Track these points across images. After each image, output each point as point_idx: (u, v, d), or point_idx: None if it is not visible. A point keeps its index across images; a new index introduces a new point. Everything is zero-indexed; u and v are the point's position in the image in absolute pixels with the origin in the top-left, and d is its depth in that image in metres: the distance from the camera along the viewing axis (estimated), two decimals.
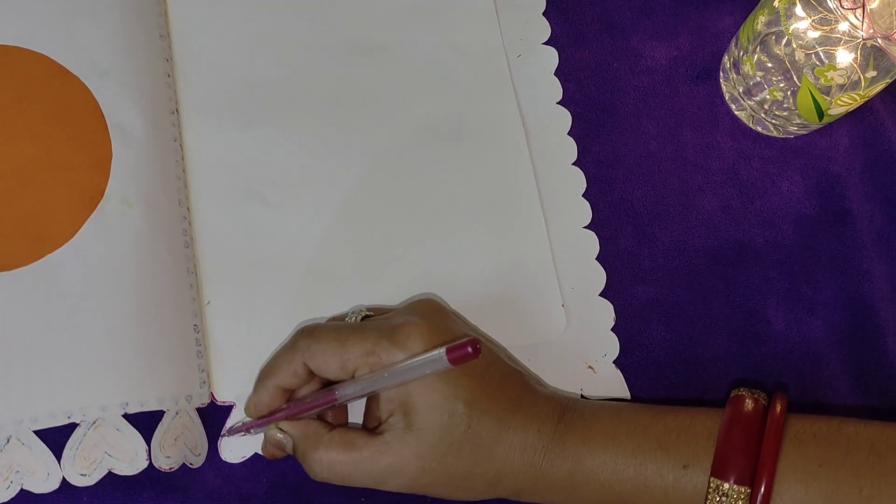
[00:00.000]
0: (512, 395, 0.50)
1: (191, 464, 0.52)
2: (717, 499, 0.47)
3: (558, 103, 0.63)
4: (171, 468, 0.51)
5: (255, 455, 0.54)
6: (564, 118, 0.62)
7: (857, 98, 0.57)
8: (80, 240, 0.53)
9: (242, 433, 0.53)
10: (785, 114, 0.61)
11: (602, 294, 0.59)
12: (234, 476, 0.54)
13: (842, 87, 0.56)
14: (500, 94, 0.62)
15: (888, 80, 0.56)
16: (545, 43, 0.64)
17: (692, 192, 0.62)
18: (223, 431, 0.54)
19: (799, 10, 0.55)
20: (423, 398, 0.48)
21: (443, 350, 0.44)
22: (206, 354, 0.54)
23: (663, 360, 0.58)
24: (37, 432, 0.50)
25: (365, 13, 0.63)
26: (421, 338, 0.48)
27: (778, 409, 0.49)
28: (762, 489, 0.46)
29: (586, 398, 0.55)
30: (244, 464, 0.54)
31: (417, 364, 0.46)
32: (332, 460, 0.49)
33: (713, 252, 0.61)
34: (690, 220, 0.61)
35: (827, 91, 0.57)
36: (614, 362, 0.58)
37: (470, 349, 0.42)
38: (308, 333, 0.50)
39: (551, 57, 0.64)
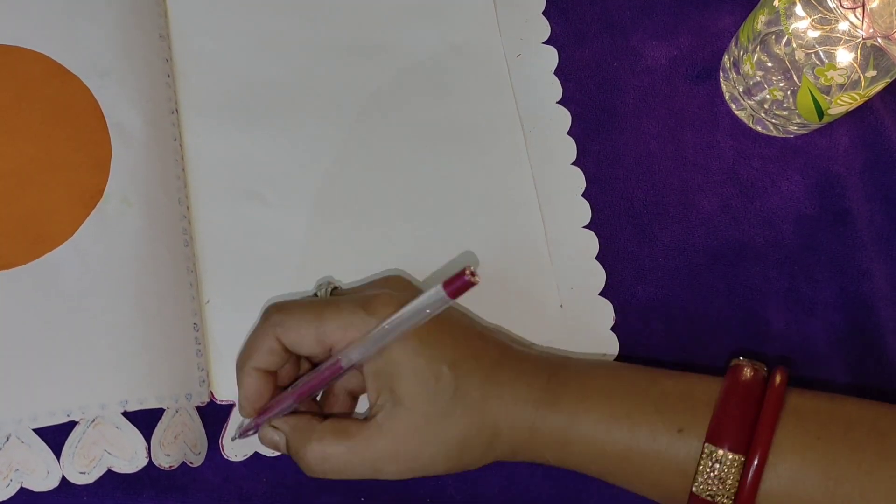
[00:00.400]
0: (495, 353, 0.50)
1: (190, 462, 0.52)
2: (710, 464, 0.46)
3: (558, 103, 0.63)
4: (170, 466, 0.51)
5: (256, 454, 0.54)
6: (564, 118, 0.62)
7: (857, 98, 0.57)
8: (80, 239, 0.53)
9: (252, 432, 0.52)
10: (785, 113, 0.61)
11: (602, 294, 0.59)
12: (234, 475, 0.54)
13: (842, 86, 0.56)
14: (500, 94, 0.62)
15: (888, 80, 0.56)
16: (545, 42, 0.64)
17: (692, 191, 0.62)
18: (234, 434, 0.53)
19: (799, 9, 0.55)
20: (406, 368, 0.47)
21: (439, 286, 0.42)
22: (205, 353, 0.55)
23: (663, 360, 0.58)
24: (36, 430, 0.50)
25: (364, 13, 0.63)
26: (397, 306, 0.46)
27: (778, 380, 0.48)
28: (756, 458, 0.46)
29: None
30: (244, 463, 0.54)
31: (418, 306, 0.44)
32: (325, 452, 0.48)
33: (713, 252, 0.61)
34: (690, 219, 0.61)
35: (827, 91, 0.57)
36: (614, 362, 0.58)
37: (467, 275, 0.40)
38: (279, 307, 0.49)
39: (551, 56, 0.64)
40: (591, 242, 0.60)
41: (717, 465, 0.46)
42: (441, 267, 0.58)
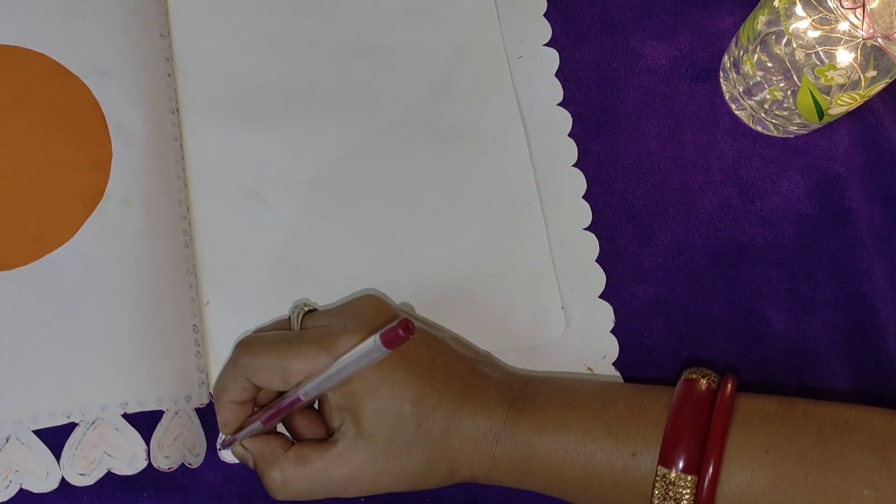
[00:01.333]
0: (460, 385, 0.50)
1: (189, 464, 0.52)
2: (664, 486, 0.47)
3: (559, 105, 0.62)
4: (170, 468, 0.51)
5: None
6: (565, 120, 0.62)
7: (857, 98, 0.57)
8: (80, 239, 0.53)
9: (230, 446, 0.53)
10: (785, 113, 0.61)
11: (601, 296, 0.59)
12: (234, 476, 0.54)
13: (842, 86, 0.56)
14: (501, 96, 0.62)
15: (888, 80, 0.55)
16: (546, 45, 0.64)
17: (692, 191, 0.62)
18: (217, 445, 0.54)
19: (799, 9, 0.55)
20: (369, 404, 0.48)
21: (376, 336, 0.42)
22: (205, 354, 0.55)
23: (663, 361, 0.58)
24: (36, 432, 0.50)
25: (366, 14, 0.63)
26: (357, 343, 0.46)
27: (728, 390, 0.48)
28: (707, 478, 0.46)
29: (547, 376, 0.54)
30: (242, 463, 0.54)
31: (356, 356, 0.45)
32: (286, 478, 0.49)
33: (713, 252, 0.61)
34: (690, 219, 0.61)
35: (827, 91, 0.57)
36: (613, 364, 0.58)
37: (401, 331, 0.41)
38: (245, 350, 0.50)
39: (552, 58, 0.63)
40: (592, 245, 0.60)
41: (672, 487, 0.47)
42: (441, 269, 0.58)
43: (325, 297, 0.57)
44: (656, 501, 0.47)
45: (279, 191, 0.58)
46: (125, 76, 0.56)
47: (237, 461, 0.53)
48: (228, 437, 0.52)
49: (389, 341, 0.42)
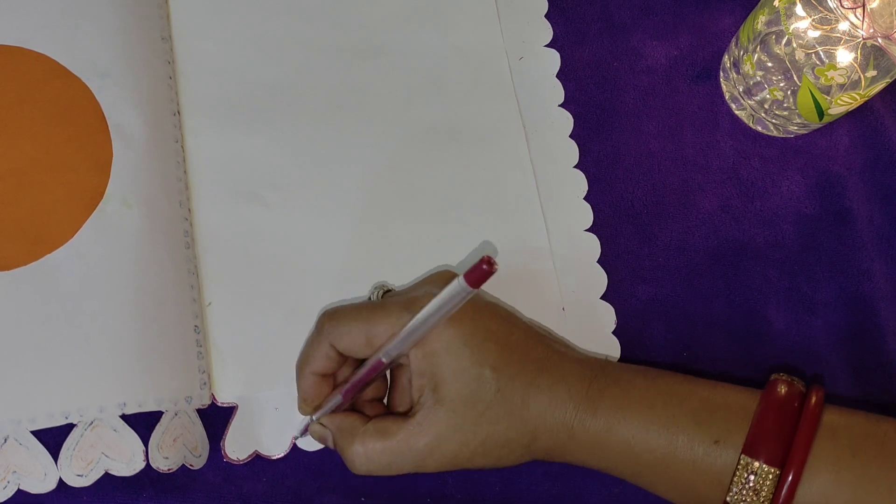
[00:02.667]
0: (537, 357, 0.50)
1: (191, 465, 0.52)
2: (746, 476, 0.47)
3: (560, 106, 0.62)
4: (169, 469, 0.51)
5: (257, 455, 0.54)
6: (566, 121, 0.62)
7: (858, 97, 0.57)
8: (80, 240, 0.53)
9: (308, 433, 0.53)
10: (785, 113, 0.61)
11: (603, 296, 0.59)
12: (234, 475, 0.54)
13: (842, 86, 0.56)
14: (502, 97, 0.62)
15: (888, 80, 0.55)
16: (547, 45, 0.64)
17: (692, 191, 0.62)
18: (297, 434, 0.54)
19: (799, 9, 0.55)
20: (449, 365, 0.48)
21: (460, 277, 0.43)
22: (206, 355, 0.55)
23: (663, 361, 0.58)
24: (34, 433, 0.50)
25: (366, 15, 0.63)
26: None
27: (814, 398, 0.48)
28: (792, 473, 0.46)
29: (626, 364, 0.55)
30: (244, 463, 0.54)
31: (441, 301, 0.45)
32: (368, 451, 0.49)
33: (713, 252, 0.61)
34: (690, 219, 0.61)
35: (827, 90, 0.57)
36: None
37: (485, 266, 0.41)
38: (330, 316, 0.51)
39: (553, 59, 0.63)
40: (593, 246, 0.60)
41: (753, 477, 0.47)
42: (443, 266, 0.58)
43: (326, 297, 0.57)
44: (735, 489, 0.47)
45: (280, 192, 0.58)
46: (126, 78, 0.56)
47: (241, 461, 0.53)
48: (309, 419, 0.52)
49: (474, 280, 0.42)
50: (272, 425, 0.55)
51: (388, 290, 0.54)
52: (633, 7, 0.65)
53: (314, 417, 0.52)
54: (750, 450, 0.47)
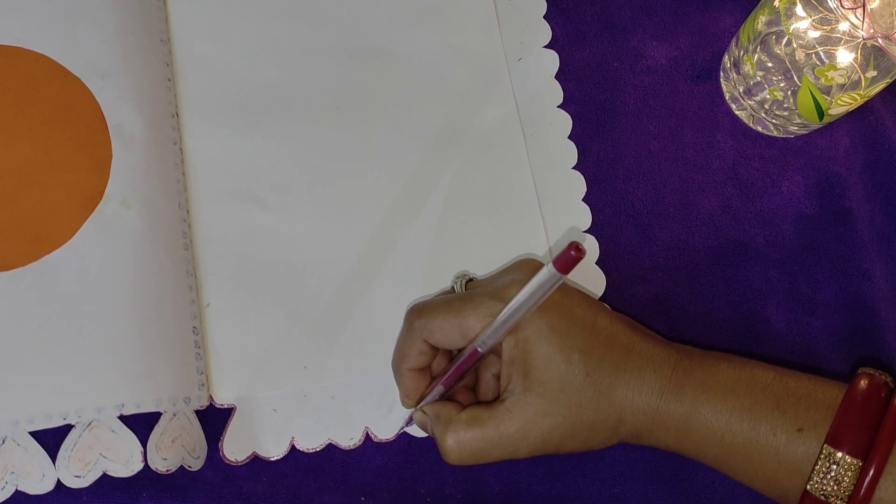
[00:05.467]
0: (623, 341, 0.51)
1: (189, 466, 0.52)
2: (828, 465, 0.47)
3: (559, 107, 0.62)
4: (167, 470, 0.51)
5: (256, 456, 0.54)
6: (565, 122, 0.62)
7: (858, 98, 0.57)
8: (79, 241, 0.53)
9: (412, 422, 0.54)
10: (785, 113, 0.61)
11: (602, 298, 0.59)
12: (234, 475, 0.54)
13: (842, 86, 0.56)
14: (500, 99, 0.62)
15: (888, 80, 0.55)
16: (546, 46, 0.64)
17: (692, 191, 0.62)
18: (402, 425, 0.55)
19: (799, 9, 0.55)
20: (540, 351, 0.49)
21: (549, 264, 0.44)
22: (205, 356, 0.55)
23: None
24: (32, 433, 0.50)
25: (365, 17, 0.63)
26: None
27: None
28: (874, 465, 0.46)
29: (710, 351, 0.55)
30: (244, 464, 0.54)
31: (532, 289, 0.46)
32: (460, 440, 0.50)
33: (713, 252, 0.61)
34: (690, 219, 0.61)
35: (827, 91, 0.57)
36: None
37: (573, 251, 0.42)
38: (419, 312, 0.52)
39: (552, 60, 0.63)
40: (592, 247, 0.60)
41: (835, 467, 0.47)
42: (440, 272, 0.58)
43: (324, 298, 0.57)
44: (816, 478, 0.47)
45: (279, 193, 0.58)
46: (125, 79, 0.57)
47: (240, 462, 0.54)
48: (412, 411, 0.53)
49: (563, 266, 0.43)
50: (270, 427, 0.55)
51: (471, 280, 0.55)
52: (633, 7, 0.65)
53: (419, 407, 0.53)
54: (834, 440, 0.47)
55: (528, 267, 0.52)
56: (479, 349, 0.50)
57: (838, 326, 0.60)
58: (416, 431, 0.56)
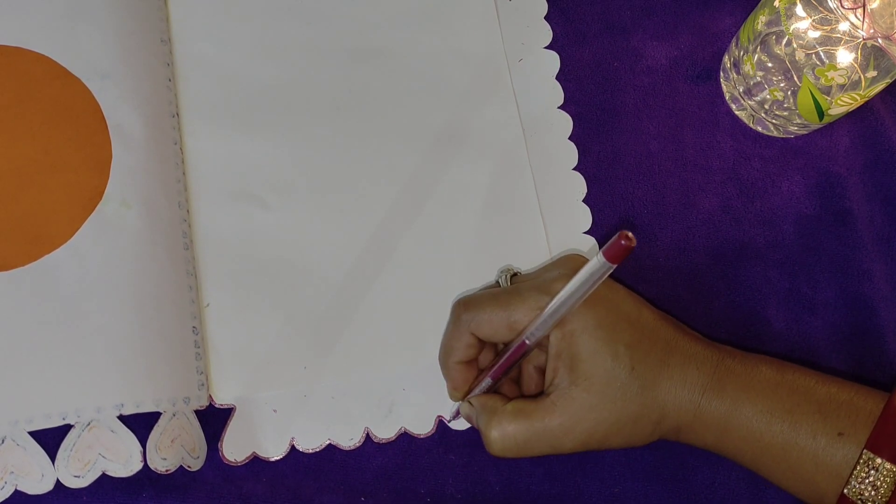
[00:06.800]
0: (667, 337, 0.51)
1: (189, 466, 0.52)
2: (867, 471, 0.47)
3: (559, 108, 0.62)
4: (167, 470, 0.51)
5: (255, 456, 0.54)
6: (565, 123, 0.62)
7: (858, 98, 0.57)
8: (79, 241, 0.53)
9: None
10: (785, 114, 0.61)
11: None
12: (234, 475, 0.54)
13: (842, 86, 0.56)
14: (501, 99, 0.62)
15: (888, 80, 0.55)
16: (546, 47, 0.64)
17: (692, 191, 0.62)
18: (450, 416, 0.56)
19: (799, 9, 0.55)
20: (586, 345, 0.49)
21: (598, 254, 0.44)
22: (204, 356, 0.55)
23: None
24: (32, 433, 0.50)
25: (366, 17, 0.63)
26: None
27: None
28: None
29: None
30: (244, 464, 0.54)
31: (581, 279, 0.46)
32: (504, 432, 0.50)
33: (713, 252, 0.61)
34: (691, 219, 0.61)
35: (827, 91, 0.57)
36: None
37: (623, 241, 0.42)
38: (466, 305, 0.52)
39: (552, 61, 0.63)
40: (592, 247, 0.60)
41: (874, 473, 0.47)
42: (440, 272, 0.58)
43: (324, 298, 0.57)
44: (854, 482, 0.47)
45: (279, 193, 0.58)
46: (125, 79, 0.57)
47: (240, 462, 0.54)
48: (460, 404, 0.54)
49: (613, 255, 0.43)
50: (270, 427, 0.55)
51: (515, 274, 0.55)
52: (633, 7, 0.65)
53: (467, 399, 0.53)
54: (874, 446, 0.47)
55: (573, 262, 0.52)
56: (527, 341, 0.50)
57: (838, 326, 0.60)
58: (418, 430, 0.56)
